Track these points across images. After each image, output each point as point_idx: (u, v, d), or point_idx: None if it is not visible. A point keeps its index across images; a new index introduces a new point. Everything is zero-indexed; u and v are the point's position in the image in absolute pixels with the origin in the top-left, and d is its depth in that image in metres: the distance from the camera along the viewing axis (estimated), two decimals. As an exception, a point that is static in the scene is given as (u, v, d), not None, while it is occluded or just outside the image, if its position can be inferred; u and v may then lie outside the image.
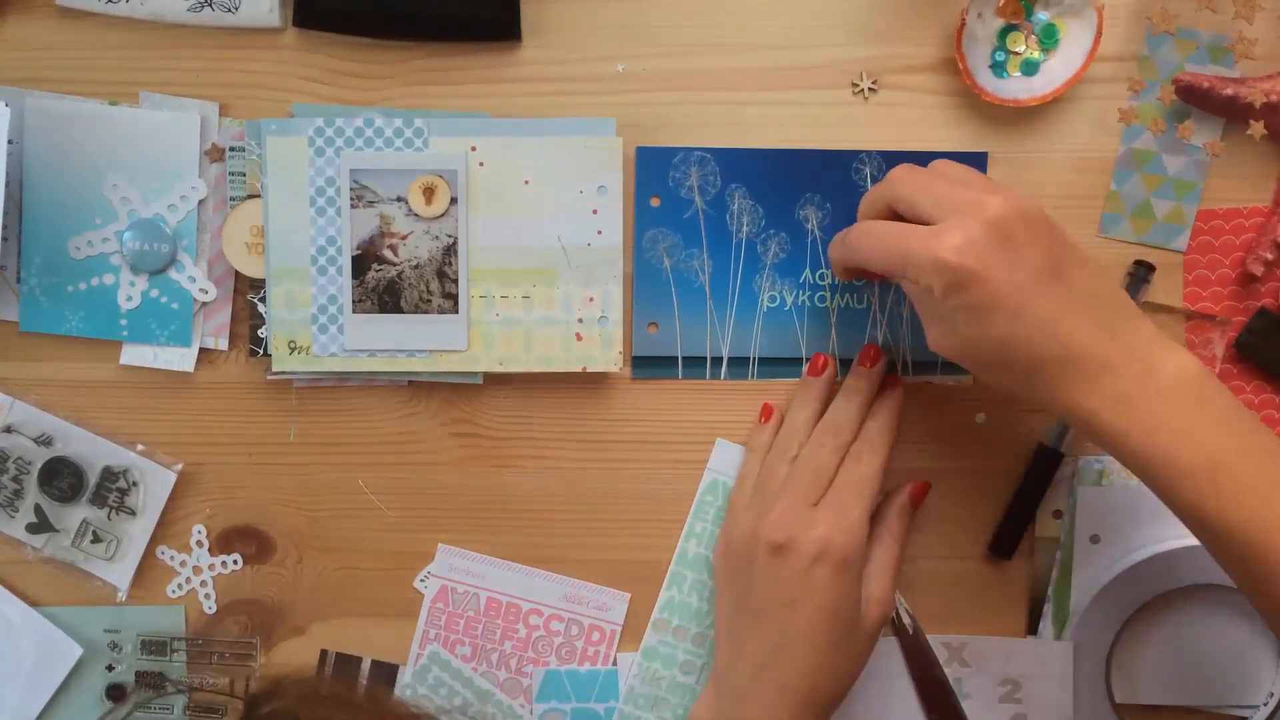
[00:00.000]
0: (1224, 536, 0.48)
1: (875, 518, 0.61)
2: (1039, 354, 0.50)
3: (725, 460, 0.64)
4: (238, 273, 0.63)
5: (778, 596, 0.57)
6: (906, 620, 0.64)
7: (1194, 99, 0.61)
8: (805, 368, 0.63)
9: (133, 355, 0.64)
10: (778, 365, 0.64)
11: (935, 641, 0.65)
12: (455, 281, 0.62)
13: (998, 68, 0.61)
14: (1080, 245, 0.53)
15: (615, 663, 0.65)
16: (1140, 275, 0.62)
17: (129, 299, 0.63)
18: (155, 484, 0.65)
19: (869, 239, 0.54)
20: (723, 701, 0.59)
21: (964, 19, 0.60)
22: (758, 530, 0.58)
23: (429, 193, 0.62)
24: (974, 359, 0.53)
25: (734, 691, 0.59)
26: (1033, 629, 0.65)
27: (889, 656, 0.65)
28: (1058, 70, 0.61)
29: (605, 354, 0.63)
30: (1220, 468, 0.48)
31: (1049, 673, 0.64)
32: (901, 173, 0.55)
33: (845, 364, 0.64)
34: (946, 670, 0.65)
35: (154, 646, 0.66)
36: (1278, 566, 0.47)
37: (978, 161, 0.62)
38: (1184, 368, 0.50)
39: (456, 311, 0.62)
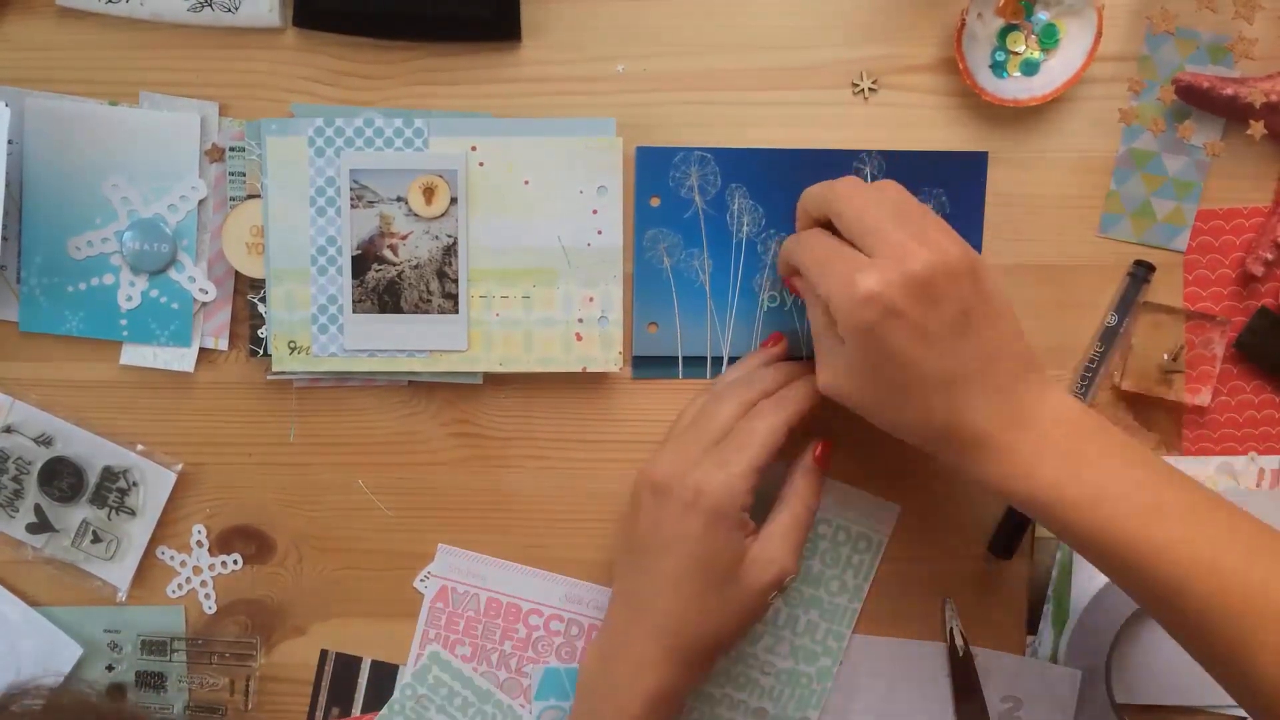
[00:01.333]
0: (1119, 563, 0.50)
1: (784, 480, 0.61)
2: (927, 419, 0.52)
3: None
4: (238, 273, 0.63)
5: (654, 538, 0.57)
6: (960, 642, 0.64)
7: (1194, 99, 0.61)
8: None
9: (133, 355, 0.64)
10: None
11: (941, 648, 0.65)
12: (455, 281, 0.62)
13: (998, 68, 0.61)
14: (1001, 295, 0.53)
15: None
16: (1140, 275, 0.62)
17: (129, 299, 0.63)
18: (155, 484, 0.65)
19: (807, 248, 0.55)
20: (604, 639, 0.59)
21: (964, 19, 0.60)
22: (645, 468, 0.58)
23: (429, 193, 0.62)
24: (859, 403, 0.54)
25: (612, 629, 0.59)
26: (1032, 629, 0.65)
27: (925, 660, 0.65)
28: (1058, 70, 0.61)
29: (605, 354, 0.63)
30: (1103, 499, 0.50)
31: (1053, 695, 0.64)
32: (848, 189, 0.54)
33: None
34: (951, 680, 0.65)
35: (154, 646, 0.66)
36: (1167, 585, 0.49)
37: (978, 161, 0.62)
38: (1061, 410, 0.52)
39: (456, 312, 0.62)
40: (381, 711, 0.65)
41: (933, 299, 0.50)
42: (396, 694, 0.65)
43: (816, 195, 0.56)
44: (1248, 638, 0.47)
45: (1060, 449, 0.51)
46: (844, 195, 0.54)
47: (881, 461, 0.64)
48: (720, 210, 0.63)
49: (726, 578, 0.57)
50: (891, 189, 0.54)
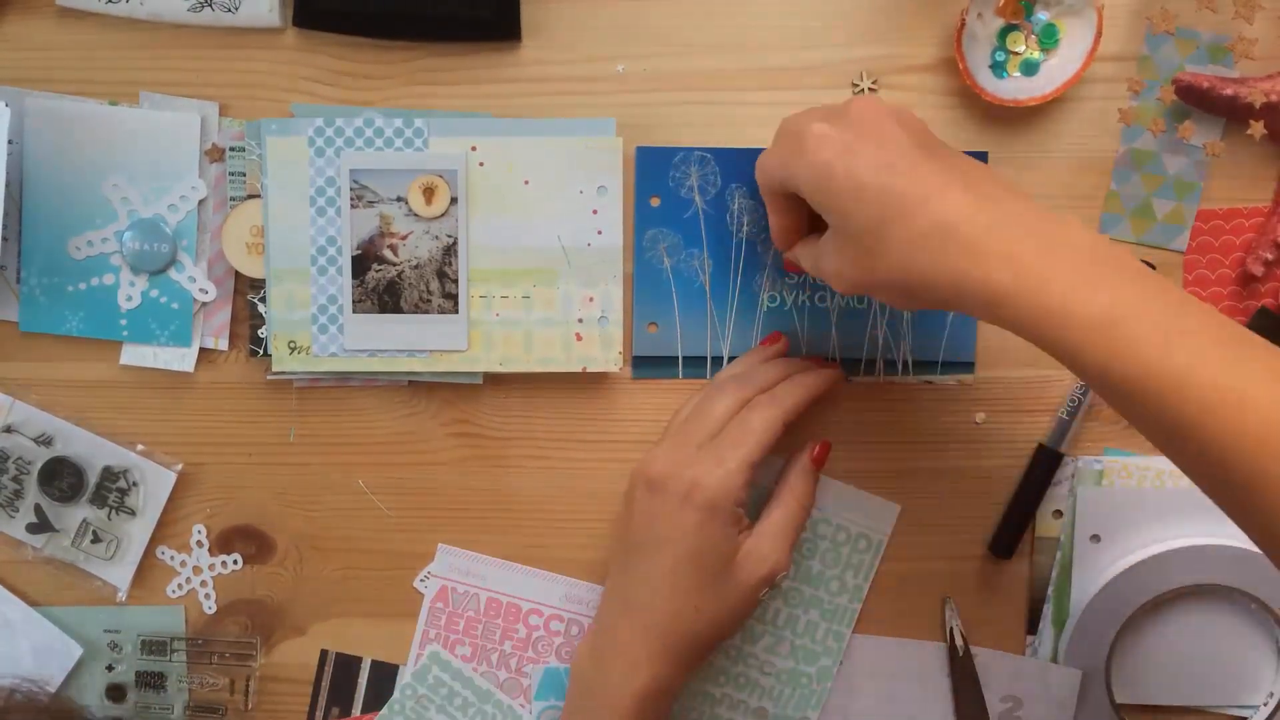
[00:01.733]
0: (1127, 391, 0.46)
1: (780, 478, 0.61)
2: (916, 229, 0.48)
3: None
4: (238, 273, 0.63)
5: (649, 534, 0.57)
6: (959, 642, 0.64)
7: (1194, 99, 0.61)
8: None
9: (133, 355, 0.64)
10: (778, 365, 0.64)
11: (941, 648, 0.65)
12: (455, 282, 0.62)
13: (998, 68, 0.61)
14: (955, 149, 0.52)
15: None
16: (1140, 275, 0.62)
17: (129, 299, 0.63)
18: (155, 484, 0.65)
19: (762, 158, 0.56)
20: (596, 635, 0.59)
21: (964, 19, 0.60)
22: (641, 464, 0.58)
23: (429, 193, 0.62)
24: (866, 271, 0.50)
25: (604, 624, 0.59)
26: (1032, 629, 0.65)
27: (925, 660, 0.65)
28: (1058, 70, 0.61)
29: (605, 354, 0.63)
30: (1118, 321, 0.45)
31: (1053, 696, 0.64)
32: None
33: (845, 364, 0.64)
34: (950, 679, 0.65)
35: (154, 646, 0.66)
36: (1184, 415, 0.44)
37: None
38: (1076, 228, 0.48)
39: (456, 312, 0.62)
40: (381, 711, 0.65)
41: (882, 131, 0.50)
42: (396, 694, 0.65)
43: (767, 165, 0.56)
44: (1269, 467, 0.43)
45: (1073, 265, 0.46)
46: (785, 119, 0.55)
47: (882, 461, 0.64)
48: (720, 210, 0.63)
49: (720, 573, 0.57)
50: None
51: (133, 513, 0.65)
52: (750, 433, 0.57)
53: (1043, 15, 0.61)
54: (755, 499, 0.60)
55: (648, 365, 0.64)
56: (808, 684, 0.65)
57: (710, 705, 0.65)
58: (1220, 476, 0.45)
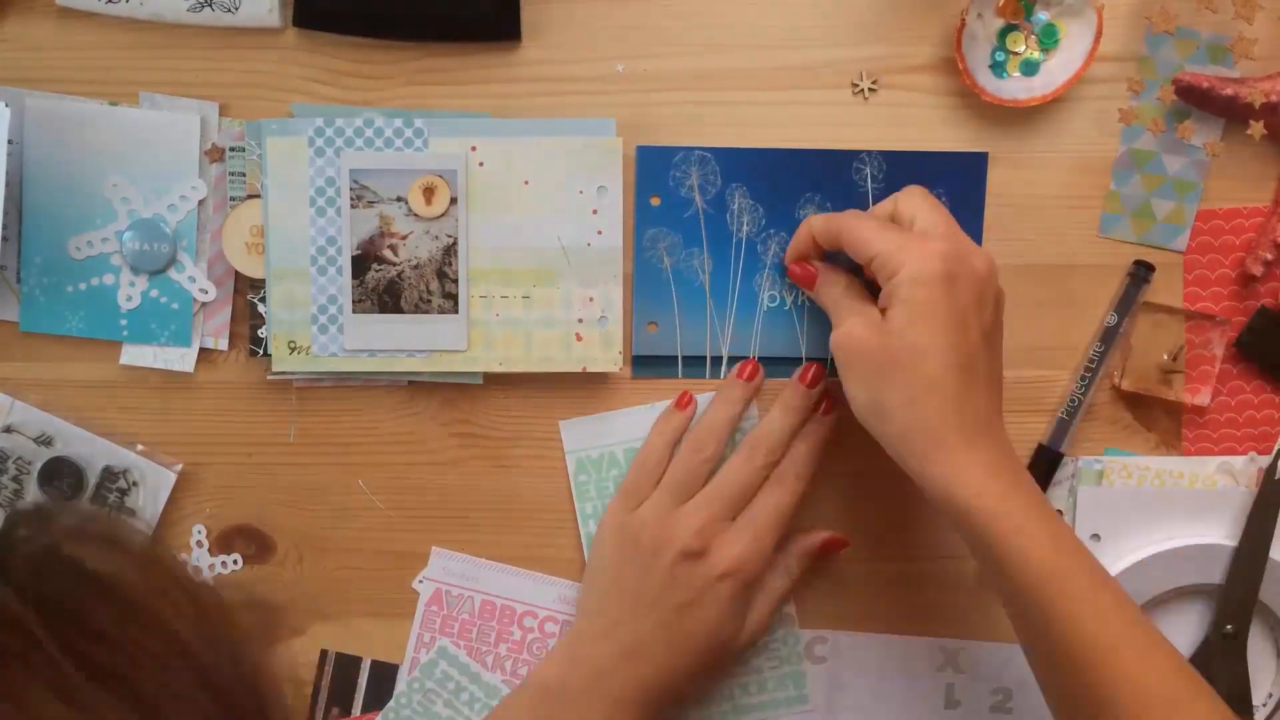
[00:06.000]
0: (1016, 585, 0.52)
1: (779, 546, 0.61)
2: (921, 405, 0.53)
3: (579, 438, 0.64)
4: (238, 273, 0.63)
5: (673, 597, 0.58)
6: None
7: (1194, 99, 0.61)
8: (734, 370, 0.63)
9: (133, 355, 0.64)
10: (778, 365, 0.64)
11: (932, 645, 0.65)
12: (455, 282, 0.62)
13: (998, 68, 0.61)
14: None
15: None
16: (1140, 275, 0.62)
17: (129, 299, 0.63)
18: (155, 484, 0.64)
19: (862, 219, 0.57)
20: (575, 668, 0.60)
21: (964, 19, 0.60)
22: (674, 532, 0.59)
23: (429, 193, 0.62)
24: (866, 365, 0.55)
25: (590, 664, 0.59)
26: (1033, 629, 0.65)
27: (915, 659, 0.65)
28: (1058, 70, 0.61)
29: (605, 354, 0.63)
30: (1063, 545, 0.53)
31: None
32: (915, 193, 0.58)
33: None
34: (941, 675, 0.65)
35: (154, 646, 0.66)
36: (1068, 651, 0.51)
37: (978, 161, 0.62)
38: (1011, 454, 0.55)
39: (456, 312, 0.62)
40: (389, 704, 0.65)
41: (982, 297, 0.54)
42: (404, 686, 0.65)
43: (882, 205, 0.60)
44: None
45: (1029, 482, 0.55)
46: (911, 195, 0.58)
47: (882, 461, 0.64)
48: (720, 210, 0.63)
49: (729, 641, 0.60)
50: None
51: (133, 513, 0.64)
52: (784, 515, 0.60)
53: (1043, 15, 0.61)
54: None
55: (648, 365, 0.64)
56: (779, 648, 0.65)
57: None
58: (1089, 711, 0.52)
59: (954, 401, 0.53)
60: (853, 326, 0.55)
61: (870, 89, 0.62)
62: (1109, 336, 0.63)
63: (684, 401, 0.63)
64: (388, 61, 0.62)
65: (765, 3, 0.62)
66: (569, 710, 0.59)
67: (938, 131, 0.62)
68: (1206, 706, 0.50)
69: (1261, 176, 0.62)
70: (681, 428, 0.62)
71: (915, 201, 0.57)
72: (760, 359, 0.63)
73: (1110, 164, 0.63)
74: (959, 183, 0.62)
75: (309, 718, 0.66)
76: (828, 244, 0.59)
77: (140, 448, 0.64)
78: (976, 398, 0.54)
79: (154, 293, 0.63)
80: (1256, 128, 0.59)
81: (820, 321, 0.63)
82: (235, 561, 0.65)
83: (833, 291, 0.59)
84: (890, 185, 0.62)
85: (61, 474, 0.64)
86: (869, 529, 0.65)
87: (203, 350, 0.64)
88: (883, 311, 0.55)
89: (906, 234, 0.55)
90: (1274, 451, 0.63)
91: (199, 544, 0.65)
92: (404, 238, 0.62)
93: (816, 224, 0.59)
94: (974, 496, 0.52)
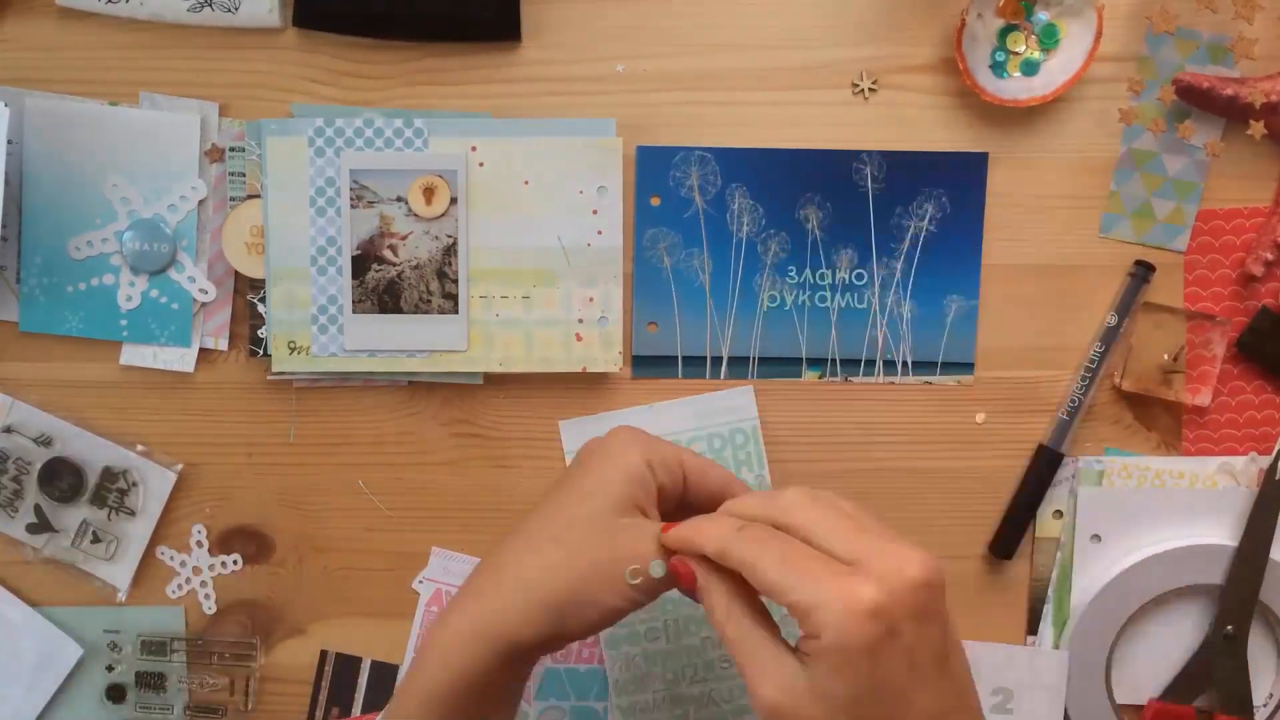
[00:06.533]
0: None
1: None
2: None
3: (579, 438, 0.64)
4: (238, 273, 0.63)
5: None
6: None
7: (1194, 99, 0.61)
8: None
9: (133, 355, 0.64)
10: (778, 365, 0.64)
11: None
12: (455, 282, 0.62)
13: (998, 68, 0.61)
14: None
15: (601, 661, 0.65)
16: (1140, 275, 0.62)
17: (129, 299, 0.63)
18: (155, 484, 0.65)
19: (766, 546, 0.45)
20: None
21: (964, 19, 0.60)
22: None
23: (429, 193, 0.62)
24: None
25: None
26: (1033, 630, 0.65)
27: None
28: (1058, 70, 0.61)
29: (605, 354, 0.63)
30: None
31: (1042, 682, 0.64)
32: (800, 497, 0.47)
33: (845, 364, 0.64)
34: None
35: (154, 647, 0.66)
36: None
37: (978, 161, 0.62)
38: None
39: (456, 312, 0.62)
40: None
41: (926, 618, 0.43)
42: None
43: (754, 505, 0.48)
44: None
45: None
46: (803, 505, 0.46)
47: (882, 461, 0.64)
48: (720, 210, 0.63)
49: (596, 524, 0.50)
50: (839, 498, 0.47)
51: (132, 513, 0.65)
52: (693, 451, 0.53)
53: (1043, 15, 0.61)
54: None
55: (648, 365, 0.64)
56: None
57: (694, 655, 0.65)
58: None
59: None
60: (779, 698, 0.44)
61: (870, 89, 0.62)
62: (1109, 336, 0.63)
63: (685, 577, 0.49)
64: (388, 61, 0.62)
65: (765, 3, 0.62)
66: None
67: (938, 131, 0.62)
68: None
69: (1261, 176, 0.62)
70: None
71: (805, 514, 0.46)
72: (760, 359, 0.63)
73: (1110, 164, 0.63)
74: (959, 183, 0.62)
75: (309, 718, 0.66)
76: (731, 567, 0.46)
77: (140, 448, 0.64)
78: None
79: (154, 293, 0.63)
80: (1256, 128, 0.59)
81: (820, 321, 0.63)
82: (235, 561, 0.65)
83: (730, 629, 0.46)
84: (890, 185, 0.62)
85: (61, 474, 0.64)
86: (869, 529, 0.65)
87: (203, 350, 0.64)
88: (806, 657, 0.44)
89: (819, 573, 0.43)
90: (1274, 452, 0.63)
91: (199, 544, 0.65)
92: (404, 238, 0.62)
93: (709, 544, 0.47)
94: None
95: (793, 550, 0.45)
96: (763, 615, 0.47)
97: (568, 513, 0.51)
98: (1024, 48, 0.61)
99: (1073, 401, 0.63)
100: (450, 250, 0.62)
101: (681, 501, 0.53)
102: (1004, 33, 0.61)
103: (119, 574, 0.65)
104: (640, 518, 0.51)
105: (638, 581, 0.49)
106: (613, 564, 0.49)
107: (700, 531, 0.48)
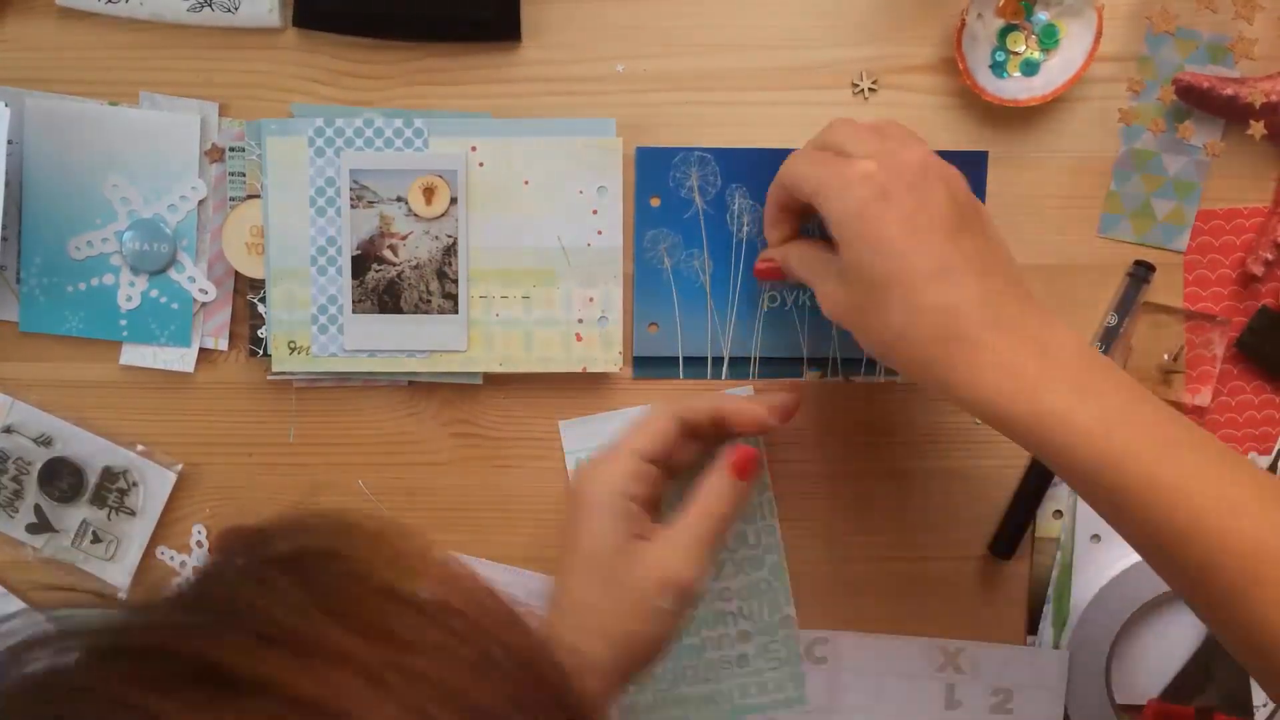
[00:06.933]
0: (1118, 499, 0.47)
1: (697, 481, 0.57)
2: (920, 302, 0.48)
3: (579, 438, 0.64)
4: (238, 273, 0.63)
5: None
6: None
7: (1194, 99, 0.61)
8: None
9: (133, 355, 0.64)
10: (779, 365, 0.64)
11: (932, 646, 0.65)
12: (455, 282, 0.62)
13: (998, 68, 0.61)
14: (998, 231, 0.52)
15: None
16: (1140, 275, 0.62)
17: (129, 299, 0.63)
18: (155, 484, 0.64)
19: (796, 159, 0.54)
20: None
21: (964, 19, 0.60)
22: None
23: (429, 193, 0.62)
24: (859, 313, 0.51)
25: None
26: (1033, 629, 0.65)
27: (916, 659, 0.65)
28: (1058, 70, 0.61)
29: (606, 354, 0.63)
30: (1111, 431, 0.46)
31: (1042, 682, 0.64)
32: (838, 122, 0.54)
33: (846, 364, 0.64)
34: (940, 676, 0.65)
35: (154, 647, 0.66)
36: (1174, 523, 0.45)
37: (978, 161, 0.62)
38: (1066, 336, 0.49)
39: (456, 312, 0.62)
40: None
41: (923, 190, 0.49)
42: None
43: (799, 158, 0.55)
44: (1252, 577, 0.44)
45: (1069, 373, 0.48)
46: (834, 125, 0.54)
47: (882, 461, 0.64)
48: (720, 210, 0.63)
49: (610, 574, 0.53)
50: (882, 121, 0.54)
51: (133, 513, 0.64)
52: (639, 423, 0.56)
53: (1043, 15, 0.61)
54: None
55: (648, 365, 0.64)
56: (768, 587, 0.64)
57: (694, 655, 0.65)
58: (1204, 587, 0.46)
59: (933, 313, 0.48)
60: (824, 293, 0.53)
61: (870, 89, 0.62)
62: (1109, 336, 0.63)
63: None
64: (388, 61, 0.62)
65: (765, 3, 0.62)
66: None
67: (938, 131, 0.62)
68: None
69: (1261, 176, 0.62)
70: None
71: (837, 131, 0.53)
72: (761, 359, 0.64)
73: (1110, 164, 0.63)
74: (959, 183, 0.62)
75: (309, 718, 0.66)
76: (789, 196, 0.56)
77: (140, 448, 0.64)
78: (959, 290, 0.48)
79: (154, 293, 0.63)
80: (1256, 128, 0.59)
81: (820, 323, 0.63)
82: (235, 561, 0.65)
83: (795, 266, 0.56)
84: (890, 185, 0.62)
85: (61, 474, 0.64)
86: (869, 529, 0.65)
87: (203, 350, 0.64)
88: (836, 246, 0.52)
89: (831, 163, 0.51)
90: (1274, 451, 0.63)
91: (199, 544, 0.65)
92: (404, 238, 0.62)
93: (774, 184, 0.57)
94: (1002, 402, 0.47)
95: (819, 154, 0.53)
96: (815, 246, 0.56)
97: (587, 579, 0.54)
98: (1024, 48, 0.61)
99: (1073, 401, 0.63)
100: (450, 250, 0.62)
101: (701, 433, 0.58)
102: (1004, 33, 0.61)
103: (119, 574, 0.65)
104: (639, 543, 0.54)
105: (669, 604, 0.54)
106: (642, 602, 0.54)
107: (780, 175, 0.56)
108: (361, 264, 0.62)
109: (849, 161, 0.51)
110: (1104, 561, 0.64)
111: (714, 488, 0.56)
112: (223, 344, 0.64)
